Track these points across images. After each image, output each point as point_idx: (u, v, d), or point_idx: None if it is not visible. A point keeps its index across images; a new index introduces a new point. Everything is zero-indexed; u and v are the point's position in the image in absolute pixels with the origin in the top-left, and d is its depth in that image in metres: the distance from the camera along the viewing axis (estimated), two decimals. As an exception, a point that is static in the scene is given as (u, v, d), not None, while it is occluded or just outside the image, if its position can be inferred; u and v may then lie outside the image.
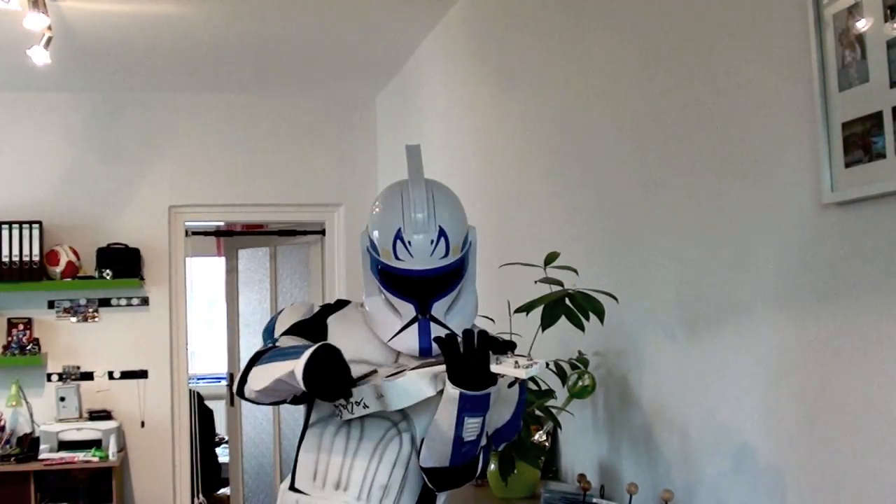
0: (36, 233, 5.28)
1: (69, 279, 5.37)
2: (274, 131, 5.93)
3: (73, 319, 5.56)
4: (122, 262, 5.49)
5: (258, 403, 1.97)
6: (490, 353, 1.74)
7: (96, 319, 5.59)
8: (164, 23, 4.43)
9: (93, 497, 5.18)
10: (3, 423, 5.27)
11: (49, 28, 4.03)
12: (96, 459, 5.08)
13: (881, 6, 1.66)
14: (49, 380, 5.49)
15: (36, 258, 5.27)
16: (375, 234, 1.91)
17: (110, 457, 5.10)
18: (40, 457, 5.07)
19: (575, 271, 2.64)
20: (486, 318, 3.06)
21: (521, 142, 3.55)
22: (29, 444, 5.19)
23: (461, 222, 1.93)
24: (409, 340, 1.92)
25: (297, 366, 1.72)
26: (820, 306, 1.85)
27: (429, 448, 1.88)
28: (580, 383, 2.53)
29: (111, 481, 5.17)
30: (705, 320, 2.28)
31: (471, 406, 1.76)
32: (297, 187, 5.94)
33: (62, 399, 5.34)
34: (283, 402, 1.98)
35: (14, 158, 5.58)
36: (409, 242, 1.85)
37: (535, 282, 2.64)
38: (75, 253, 5.42)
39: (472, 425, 1.79)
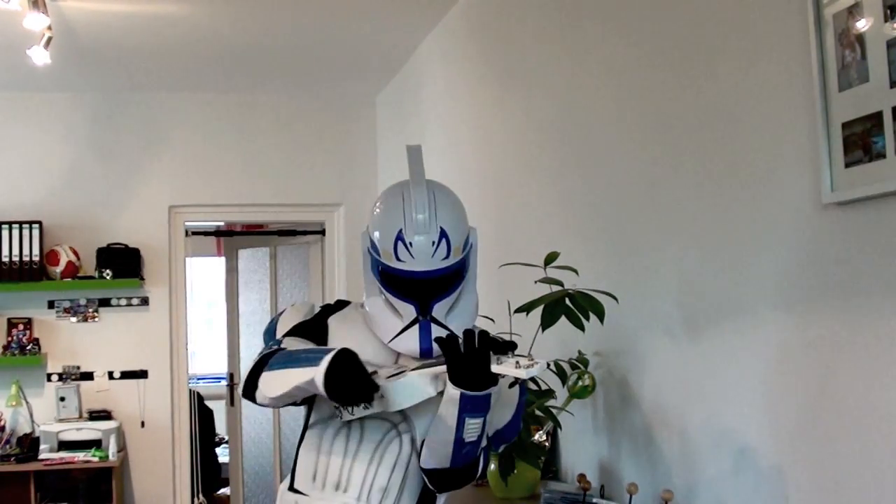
0: (36, 233, 5.28)
1: (69, 279, 5.37)
2: (274, 131, 5.93)
3: (73, 319, 5.56)
4: (122, 262, 5.49)
5: (267, 407, 1.97)
6: (491, 353, 1.74)
7: (96, 319, 5.59)
8: (164, 23, 4.43)
9: (93, 497, 5.18)
10: (3, 423, 5.27)
11: (49, 28, 4.03)
12: (96, 459, 5.08)
13: (881, 6, 1.66)
14: (49, 380, 5.49)
15: (36, 258, 5.27)
16: (376, 234, 1.91)
17: (110, 457, 5.10)
18: (40, 457, 5.07)
19: (575, 271, 2.64)
20: (486, 317, 3.07)
21: (521, 141, 3.55)
22: (29, 444, 5.19)
23: (462, 223, 1.93)
24: (410, 342, 1.92)
25: (318, 374, 1.72)
26: (820, 306, 1.85)
27: (429, 449, 1.88)
28: (580, 383, 2.53)
29: (111, 481, 5.17)
30: (705, 320, 2.28)
31: (471, 406, 1.77)
32: (297, 187, 5.93)
33: (62, 399, 5.33)
34: (294, 404, 1.99)
35: (14, 158, 5.58)
36: (411, 244, 1.85)
37: (536, 282, 2.64)
38: (75, 253, 5.42)
39: (472, 426, 1.79)
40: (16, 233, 5.26)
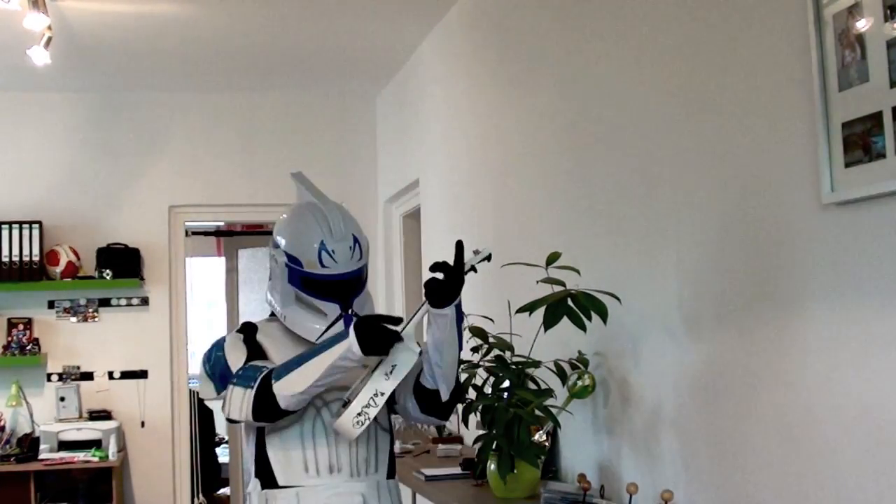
0: (36, 233, 5.28)
1: (69, 279, 5.37)
2: (274, 131, 5.92)
3: (73, 319, 5.56)
4: (122, 262, 5.48)
5: (289, 411, 2.08)
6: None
7: (96, 319, 5.59)
8: (164, 23, 4.43)
9: (93, 497, 5.18)
10: (3, 423, 5.27)
11: (49, 28, 4.03)
12: (96, 459, 5.08)
13: (881, 6, 1.66)
14: (49, 380, 5.48)
15: (36, 258, 5.26)
16: (297, 250, 2.20)
17: (110, 457, 5.10)
18: (40, 457, 5.07)
19: (577, 271, 2.65)
20: (486, 317, 3.07)
21: (521, 141, 3.55)
22: (29, 444, 5.19)
23: (360, 228, 2.28)
24: None
25: (351, 345, 1.96)
26: (820, 306, 1.85)
27: (442, 377, 2.13)
28: (580, 383, 2.53)
29: (111, 481, 5.17)
30: (705, 320, 2.28)
31: (459, 315, 2.09)
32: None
33: (62, 399, 5.33)
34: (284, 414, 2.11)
35: (14, 158, 5.58)
36: (333, 251, 2.18)
37: (538, 282, 2.64)
38: (75, 253, 5.42)
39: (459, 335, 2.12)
40: (16, 233, 5.26)
